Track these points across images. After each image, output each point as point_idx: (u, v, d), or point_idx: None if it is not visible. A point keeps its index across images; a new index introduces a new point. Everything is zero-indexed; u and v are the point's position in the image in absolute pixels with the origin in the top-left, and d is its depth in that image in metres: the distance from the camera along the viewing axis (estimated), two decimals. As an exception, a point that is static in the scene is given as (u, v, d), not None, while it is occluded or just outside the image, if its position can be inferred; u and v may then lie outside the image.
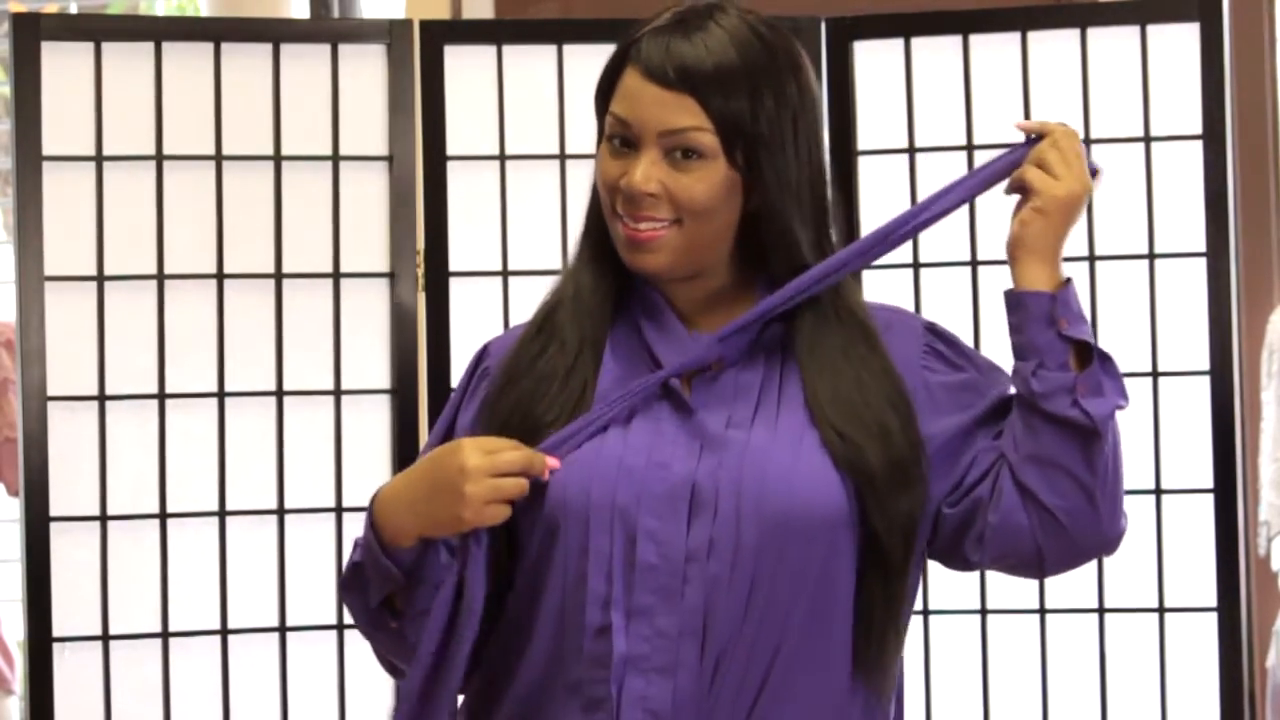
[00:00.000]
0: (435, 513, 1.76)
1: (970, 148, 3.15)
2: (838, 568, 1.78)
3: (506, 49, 3.16)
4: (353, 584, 1.86)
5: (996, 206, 3.16)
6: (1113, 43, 3.13)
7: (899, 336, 1.87)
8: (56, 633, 3.00)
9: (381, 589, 1.82)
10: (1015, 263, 1.83)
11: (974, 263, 3.14)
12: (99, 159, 3.05)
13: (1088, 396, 1.78)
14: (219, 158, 3.09)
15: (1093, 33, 3.14)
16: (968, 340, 3.04)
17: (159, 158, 3.07)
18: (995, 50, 3.16)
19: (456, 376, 2.72)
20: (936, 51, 3.17)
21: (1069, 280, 1.82)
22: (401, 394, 3.10)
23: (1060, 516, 1.80)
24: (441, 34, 3.16)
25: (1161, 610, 3.09)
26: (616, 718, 1.74)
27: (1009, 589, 3.10)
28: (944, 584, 3.09)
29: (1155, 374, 3.10)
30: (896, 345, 1.86)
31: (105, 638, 3.02)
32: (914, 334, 1.89)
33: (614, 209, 1.81)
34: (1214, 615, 3.05)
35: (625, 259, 1.82)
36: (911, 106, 3.17)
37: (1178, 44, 3.10)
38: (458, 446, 1.77)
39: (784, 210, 1.81)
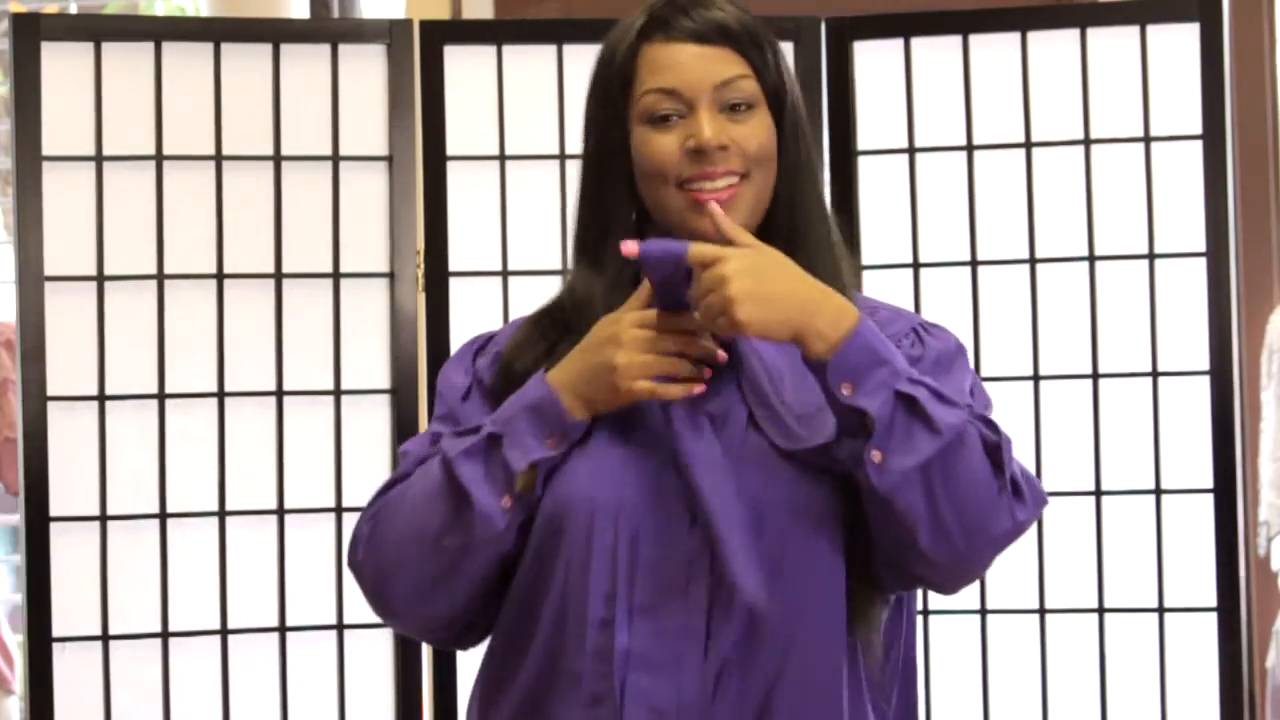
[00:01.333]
0: (594, 374, 1.77)
1: (970, 148, 3.15)
2: (838, 563, 1.78)
3: (506, 49, 3.16)
4: (484, 451, 1.78)
5: (996, 206, 3.17)
6: (1113, 43, 3.13)
7: (887, 321, 1.88)
8: (56, 633, 2.99)
9: (535, 450, 1.76)
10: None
11: (974, 263, 3.14)
12: (99, 159, 3.05)
13: (892, 454, 1.70)
14: (219, 158, 3.08)
15: (1093, 33, 3.14)
16: (968, 341, 3.05)
17: (159, 158, 3.07)
18: (995, 50, 3.16)
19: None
20: (936, 51, 3.17)
21: (854, 327, 1.71)
22: (401, 394, 3.10)
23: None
24: (441, 34, 3.16)
25: (1161, 610, 3.09)
26: (620, 714, 1.74)
27: (1009, 589, 3.10)
28: (944, 584, 3.09)
29: (1155, 374, 3.10)
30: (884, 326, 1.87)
31: (105, 638, 3.02)
32: (904, 317, 1.91)
33: (676, 181, 1.82)
34: (1214, 615, 3.05)
35: (698, 226, 1.81)
36: (911, 106, 3.17)
37: (1178, 44, 3.10)
38: (617, 316, 1.78)
39: (800, 170, 1.85)
